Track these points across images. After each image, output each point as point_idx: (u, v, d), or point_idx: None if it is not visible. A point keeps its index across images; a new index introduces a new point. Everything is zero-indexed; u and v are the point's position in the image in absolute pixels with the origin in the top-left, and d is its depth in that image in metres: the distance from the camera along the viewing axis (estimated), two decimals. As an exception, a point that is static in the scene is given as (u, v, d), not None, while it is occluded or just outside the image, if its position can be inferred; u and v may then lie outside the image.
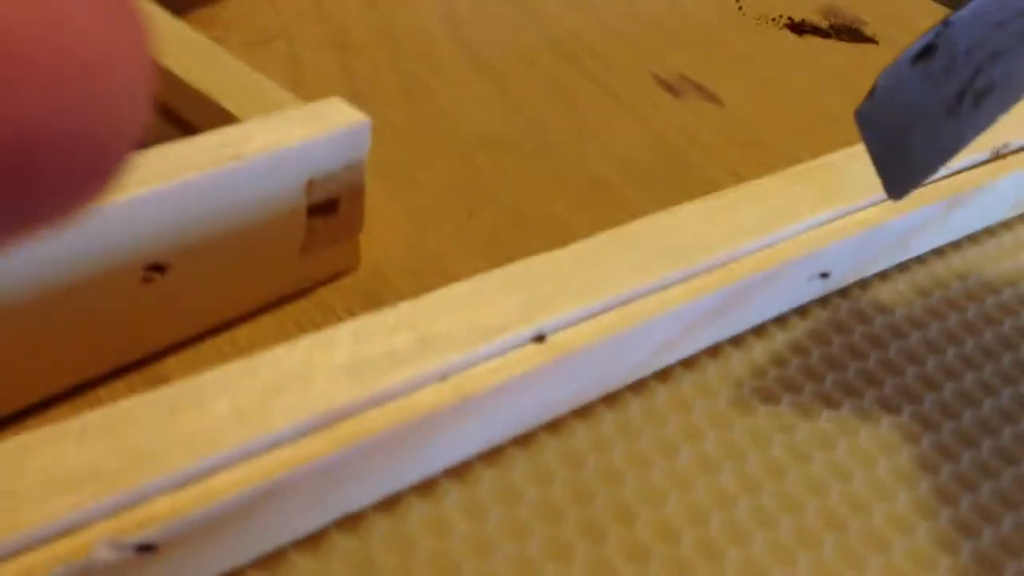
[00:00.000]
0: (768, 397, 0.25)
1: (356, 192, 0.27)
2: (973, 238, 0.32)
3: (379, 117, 0.28)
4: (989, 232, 0.32)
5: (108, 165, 0.09)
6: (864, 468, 0.24)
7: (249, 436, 0.18)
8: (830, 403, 0.25)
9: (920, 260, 0.30)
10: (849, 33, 0.46)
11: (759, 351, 0.26)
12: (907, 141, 0.27)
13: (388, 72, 0.38)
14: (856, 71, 0.43)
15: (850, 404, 0.25)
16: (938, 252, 0.31)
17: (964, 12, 0.23)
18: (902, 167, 0.27)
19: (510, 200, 0.33)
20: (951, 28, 0.23)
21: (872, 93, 0.25)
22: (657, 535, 0.21)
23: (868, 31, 0.46)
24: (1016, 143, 0.32)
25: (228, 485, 0.18)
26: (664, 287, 0.24)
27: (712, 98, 0.40)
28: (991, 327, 0.29)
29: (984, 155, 0.31)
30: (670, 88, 0.40)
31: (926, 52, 0.23)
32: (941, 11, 0.47)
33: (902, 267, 0.30)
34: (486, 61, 0.40)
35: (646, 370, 0.24)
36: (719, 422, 0.24)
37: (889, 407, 0.25)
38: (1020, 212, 0.33)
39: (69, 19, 0.08)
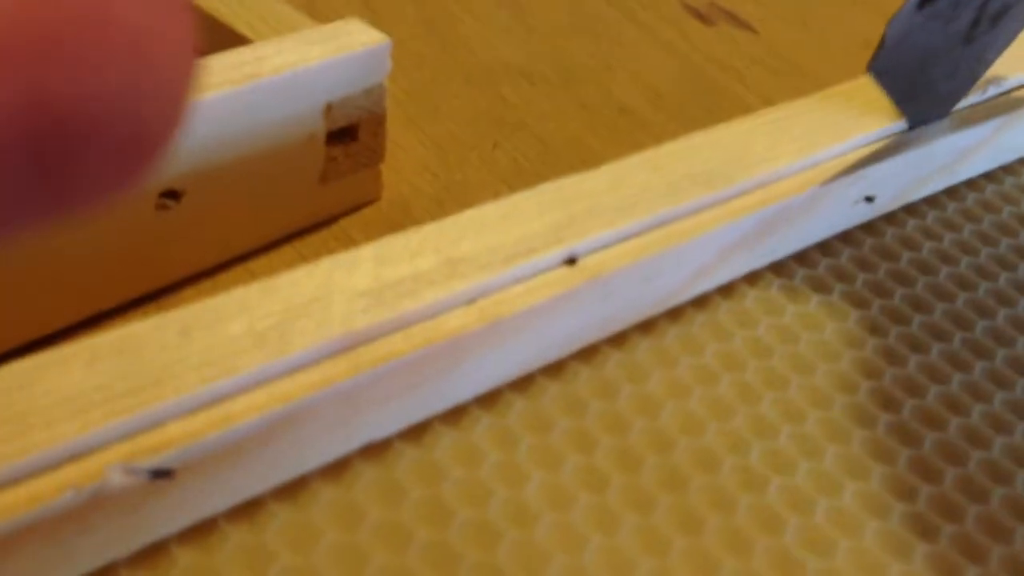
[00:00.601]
0: (811, 325, 0.24)
1: (377, 118, 0.26)
2: (1024, 162, 0.30)
3: (400, 46, 0.26)
4: (1041, 157, 0.31)
5: (148, 149, 0.09)
6: (912, 395, 0.22)
7: (267, 359, 0.17)
8: (876, 330, 0.24)
9: (970, 184, 0.29)
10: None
11: (800, 277, 0.25)
12: (928, 78, 0.25)
13: (408, 1, 0.37)
14: None
15: (897, 331, 0.24)
16: (989, 176, 0.29)
17: None
18: (926, 102, 0.26)
19: (536, 130, 0.31)
20: None
21: (882, 44, 0.24)
22: (696, 464, 0.20)
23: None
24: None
25: (246, 410, 0.17)
26: (699, 210, 0.23)
27: (744, 25, 0.38)
28: (1045, 252, 0.27)
29: (1034, 73, 0.29)
30: (700, 16, 0.38)
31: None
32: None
33: (951, 192, 0.29)
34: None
35: (682, 297, 0.23)
36: (759, 351, 0.23)
37: (938, 334, 0.24)
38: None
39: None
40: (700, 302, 0.24)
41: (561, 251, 0.21)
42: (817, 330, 0.24)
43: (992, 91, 0.29)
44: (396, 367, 0.19)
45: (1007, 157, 0.30)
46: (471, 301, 0.20)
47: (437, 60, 0.34)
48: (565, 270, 0.21)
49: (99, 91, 0.08)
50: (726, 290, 0.24)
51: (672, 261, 0.22)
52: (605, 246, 0.22)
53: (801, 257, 0.26)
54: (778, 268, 0.25)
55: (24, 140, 0.07)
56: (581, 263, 0.21)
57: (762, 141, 0.25)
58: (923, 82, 0.25)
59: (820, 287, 0.25)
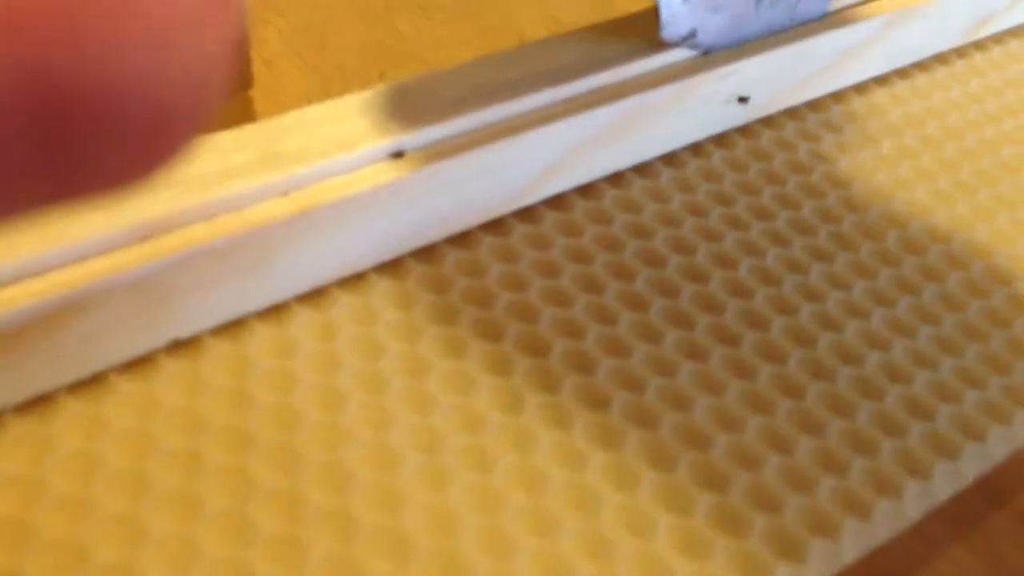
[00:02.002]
0: (669, 221, 0.23)
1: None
2: (922, 66, 0.29)
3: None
4: (940, 59, 0.30)
5: (168, 139, 0.08)
6: (767, 285, 0.22)
7: (47, 246, 0.17)
8: (738, 225, 0.23)
9: (860, 89, 0.28)
10: None
11: (666, 178, 0.24)
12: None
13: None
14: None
15: (760, 226, 0.23)
16: (881, 80, 0.29)
17: None
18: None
19: (428, 60, 0.31)
20: None
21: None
22: (525, 349, 0.20)
23: None
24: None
25: (24, 295, 0.17)
26: (545, 105, 0.22)
27: None
28: (930, 151, 0.26)
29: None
30: None
31: None
32: None
33: (838, 96, 0.28)
34: None
35: (533, 196, 0.23)
36: (610, 244, 0.22)
37: (805, 229, 0.23)
38: (974, 38, 0.30)
39: None
40: (555, 201, 0.23)
41: (387, 144, 0.20)
42: (675, 226, 0.23)
43: (876, -11, 0.28)
44: (196, 256, 0.18)
45: (900, 61, 0.29)
46: (285, 193, 0.19)
47: (330, -2, 0.34)
48: (391, 163, 0.20)
49: (115, 74, 0.07)
50: (585, 190, 0.24)
51: (513, 155, 0.22)
52: (436, 140, 0.21)
53: (670, 158, 0.25)
54: (643, 168, 0.24)
55: (32, 120, 0.07)
56: (409, 156, 0.21)
57: (617, 41, 0.24)
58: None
59: (686, 187, 0.24)
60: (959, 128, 0.27)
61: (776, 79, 0.26)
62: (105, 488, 0.16)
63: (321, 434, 0.18)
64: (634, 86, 0.23)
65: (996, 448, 0.20)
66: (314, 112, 0.21)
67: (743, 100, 0.25)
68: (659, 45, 0.24)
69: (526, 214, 0.23)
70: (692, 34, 0.24)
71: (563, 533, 0.17)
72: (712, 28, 0.24)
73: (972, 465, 0.19)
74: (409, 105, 0.21)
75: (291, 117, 0.21)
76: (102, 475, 0.17)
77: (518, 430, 0.18)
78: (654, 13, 0.23)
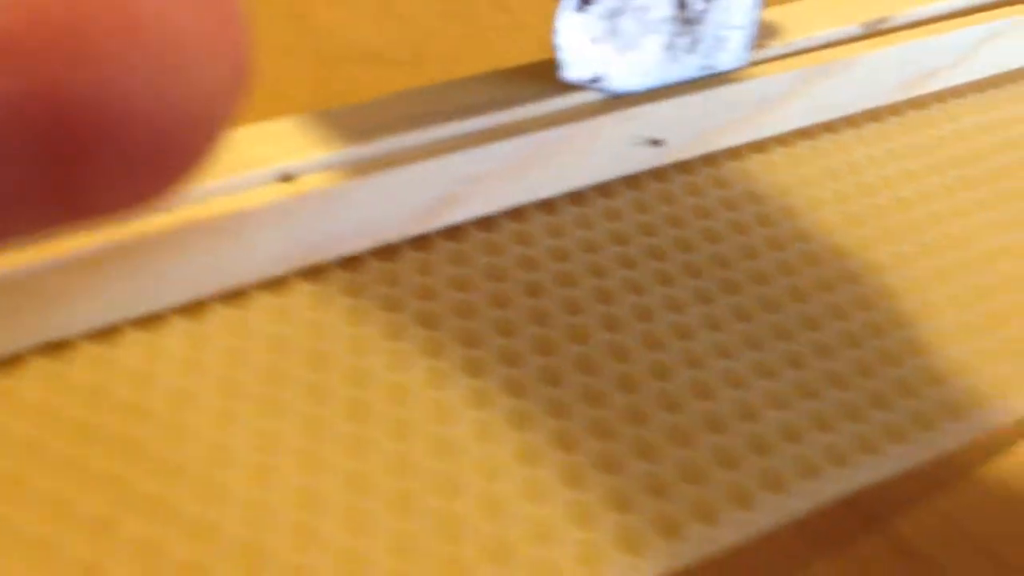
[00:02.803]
0: (561, 256, 0.24)
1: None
2: (851, 120, 0.30)
3: (256, 35, 0.27)
4: (872, 115, 0.30)
5: (172, 164, 0.08)
6: (642, 321, 0.22)
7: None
8: (627, 263, 0.24)
9: (782, 140, 0.29)
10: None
11: (567, 215, 0.25)
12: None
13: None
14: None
15: (651, 266, 0.24)
16: (805, 133, 0.29)
17: None
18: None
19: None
20: None
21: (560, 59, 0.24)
22: (387, 366, 0.20)
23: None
24: (897, 19, 0.30)
25: None
26: (444, 138, 0.23)
27: None
28: (838, 205, 0.27)
29: (855, 28, 0.29)
30: None
31: None
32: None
33: (758, 146, 0.28)
34: None
35: (428, 225, 0.23)
36: (502, 276, 0.23)
37: (696, 272, 0.24)
38: (909, 95, 0.31)
39: None
40: (451, 233, 0.24)
41: (276, 168, 0.21)
42: (563, 261, 0.24)
43: (800, 44, 0.28)
44: (73, 260, 0.19)
45: (826, 115, 0.29)
46: (167, 210, 0.20)
47: (291, 45, 0.35)
48: (279, 185, 0.21)
49: (123, 94, 0.07)
50: (484, 223, 0.24)
51: (405, 184, 0.22)
52: (327, 167, 0.22)
53: (577, 196, 0.26)
54: (547, 205, 0.25)
55: (35, 139, 0.07)
56: (299, 180, 0.22)
57: (542, 82, 0.25)
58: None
59: (586, 225, 0.25)
60: (874, 184, 0.28)
61: (691, 125, 0.26)
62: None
63: (169, 434, 0.18)
64: (538, 123, 0.24)
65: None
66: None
67: (656, 143, 0.26)
68: (571, 86, 0.25)
69: (420, 242, 0.23)
70: (596, 78, 0.24)
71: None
72: (619, 72, 0.25)
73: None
74: (304, 135, 0.22)
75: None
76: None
77: (360, 402, 0.19)
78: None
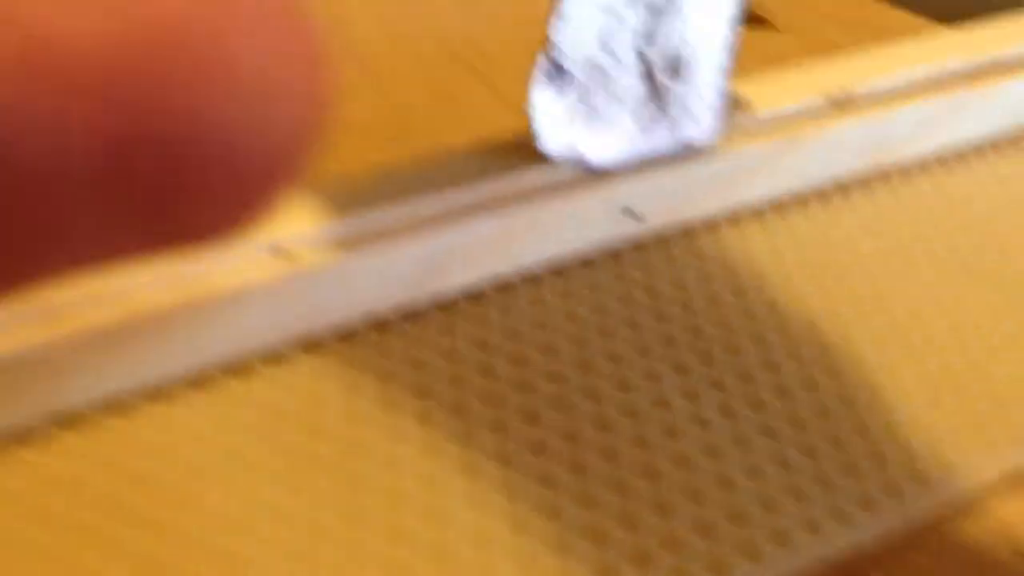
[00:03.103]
0: (543, 325, 0.25)
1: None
2: (820, 193, 0.31)
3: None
4: (840, 186, 0.32)
5: (251, 194, 0.08)
6: (621, 391, 0.23)
7: None
8: (606, 333, 0.25)
9: (756, 213, 0.30)
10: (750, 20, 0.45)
11: (548, 287, 0.26)
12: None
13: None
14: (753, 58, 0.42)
15: (629, 335, 0.25)
16: (778, 208, 0.30)
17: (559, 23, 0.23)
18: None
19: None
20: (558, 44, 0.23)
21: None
22: (385, 438, 0.21)
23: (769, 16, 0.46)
24: (861, 90, 0.31)
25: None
26: (433, 210, 0.24)
27: None
28: (808, 280, 0.28)
29: (817, 100, 0.30)
30: None
31: (556, 74, 0.24)
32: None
33: (733, 217, 0.30)
34: (371, 60, 0.41)
35: (417, 295, 0.24)
36: (486, 347, 0.24)
37: (670, 342, 0.25)
38: (873, 166, 0.32)
39: (233, 20, 0.07)
40: (440, 303, 0.25)
41: (267, 241, 0.22)
42: (547, 330, 0.25)
43: (767, 114, 0.30)
44: (84, 337, 0.20)
45: (796, 184, 0.31)
46: (170, 284, 0.21)
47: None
48: (271, 260, 0.22)
49: (206, 128, 0.07)
50: (471, 294, 0.25)
51: (394, 257, 0.23)
52: (317, 240, 0.23)
53: (559, 267, 0.27)
54: (531, 277, 0.26)
55: (117, 169, 0.07)
56: (291, 254, 0.22)
57: (521, 154, 0.26)
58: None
59: (568, 296, 0.26)
60: (841, 256, 0.29)
61: (667, 197, 0.28)
62: None
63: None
64: (521, 195, 0.25)
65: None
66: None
67: (634, 216, 0.27)
68: (548, 160, 0.26)
69: (410, 314, 0.24)
70: (573, 151, 0.26)
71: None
72: (593, 146, 0.26)
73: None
74: (293, 208, 0.23)
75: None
76: None
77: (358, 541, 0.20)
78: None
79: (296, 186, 0.08)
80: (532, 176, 0.26)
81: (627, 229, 0.27)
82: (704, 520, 0.21)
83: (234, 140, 0.07)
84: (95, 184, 0.07)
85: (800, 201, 0.31)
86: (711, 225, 0.29)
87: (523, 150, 0.27)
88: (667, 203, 0.28)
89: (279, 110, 0.08)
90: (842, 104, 0.31)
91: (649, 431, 0.22)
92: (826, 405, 0.24)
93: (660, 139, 0.27)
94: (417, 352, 0.23)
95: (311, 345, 0.23)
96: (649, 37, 0.26)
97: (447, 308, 0.25)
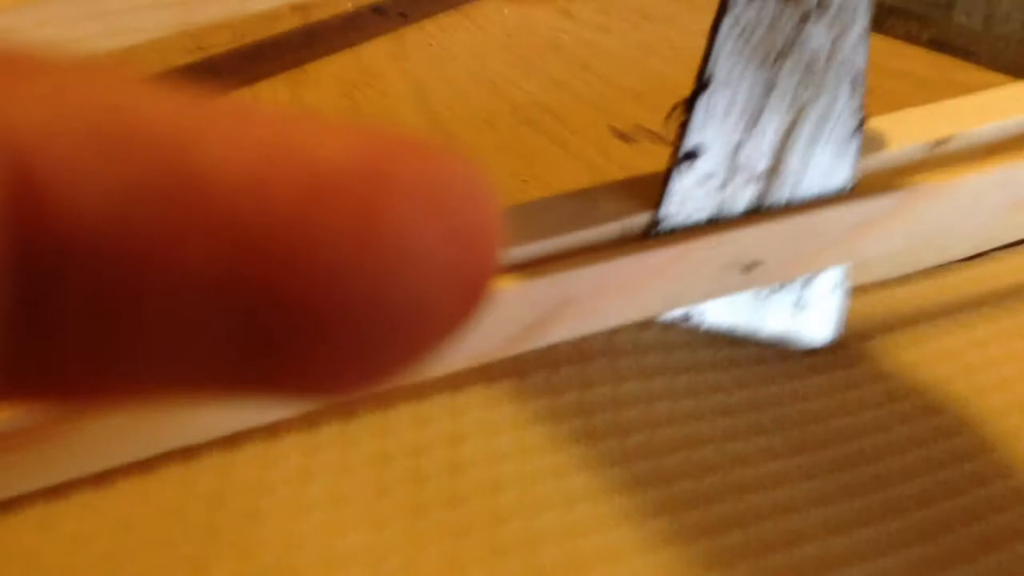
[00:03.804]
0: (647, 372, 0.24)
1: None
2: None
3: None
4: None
5: (378, 371, 0.08)
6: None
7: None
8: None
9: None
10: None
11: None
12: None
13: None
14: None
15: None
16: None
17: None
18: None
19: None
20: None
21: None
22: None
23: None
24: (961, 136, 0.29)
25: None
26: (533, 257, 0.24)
27: (664, 141, 0.39)
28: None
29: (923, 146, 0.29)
30: (623, 136, 0.40)
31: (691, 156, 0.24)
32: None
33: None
34: (448, 126, 0.41)
35: (523, 347, 0.24)
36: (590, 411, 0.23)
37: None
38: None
39: (404, 188, 0.07)
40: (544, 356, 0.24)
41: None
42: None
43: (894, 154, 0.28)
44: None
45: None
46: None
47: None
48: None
49: (335, 290, 0.07)
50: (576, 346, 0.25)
51: (504, 304, 0.23)
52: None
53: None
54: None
55: (233, 308, 0.07)
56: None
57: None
58: None
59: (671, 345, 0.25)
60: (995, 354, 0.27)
61: (782, 248, 0.27)
62: None
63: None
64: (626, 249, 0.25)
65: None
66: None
67: (749, 268, 0.26)
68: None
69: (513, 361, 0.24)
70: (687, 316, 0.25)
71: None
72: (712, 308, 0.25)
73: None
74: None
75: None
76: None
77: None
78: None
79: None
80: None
81: (742, 280, 0.27)
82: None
83: (368, 304, 0.07)
84: (211, 314, 0.07)
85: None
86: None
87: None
88: (782, 256, 0.27)
89: (423, 289, 0.07)
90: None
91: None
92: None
93: (775, 316, 0.26)
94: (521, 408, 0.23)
95: (417, 393, 0.23)
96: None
97: (551, 364, 0.24)
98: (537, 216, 0.25)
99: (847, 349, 0.26)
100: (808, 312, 0.26)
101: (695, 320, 0.25)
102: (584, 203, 0.26)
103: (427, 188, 0.07)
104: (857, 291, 0.27)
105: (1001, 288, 0.28)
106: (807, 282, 0.26)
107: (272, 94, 0.42)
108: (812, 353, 0.25)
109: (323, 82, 0.43)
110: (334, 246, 0.07)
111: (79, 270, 0.06)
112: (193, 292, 0.07)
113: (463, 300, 0.07)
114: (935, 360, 0.25)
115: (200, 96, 0.07)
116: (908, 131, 0.29)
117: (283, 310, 0.07)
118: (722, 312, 0.25)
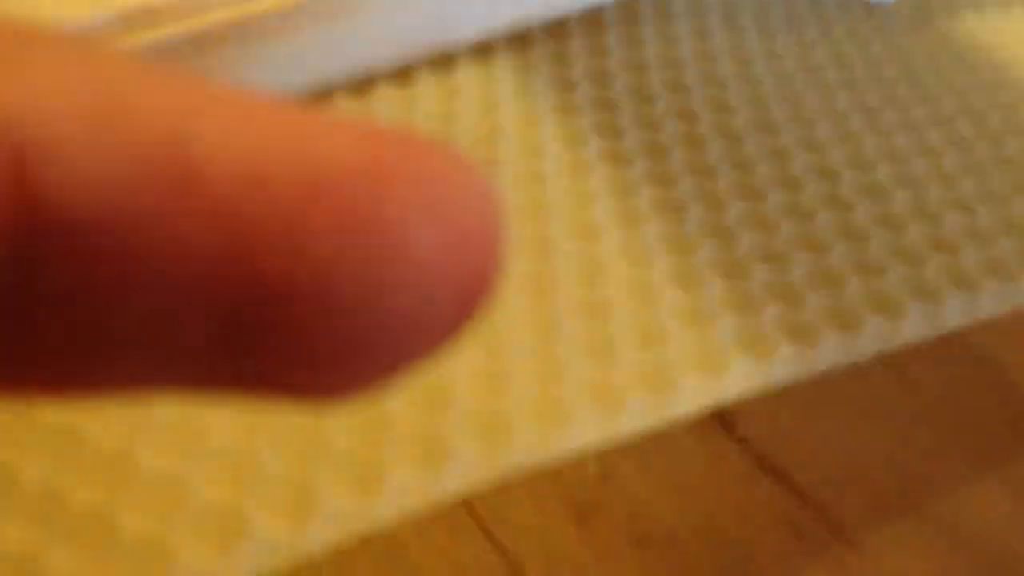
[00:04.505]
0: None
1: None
2: None
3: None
4: None
5: (368, 371, 0.07)
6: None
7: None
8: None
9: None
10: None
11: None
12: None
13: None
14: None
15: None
16: None
17: None
18: None
19: None
20: None
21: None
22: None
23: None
24: None
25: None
26: None
27: None
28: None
29: None
30: None
31: None
32: None
33: None
34: None
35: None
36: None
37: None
38: None
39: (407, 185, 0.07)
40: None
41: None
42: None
43: None
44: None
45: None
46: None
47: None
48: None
49: (324, 287, 0.07)
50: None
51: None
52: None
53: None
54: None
55: (220, 301, 0.07)
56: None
57: None
58: None
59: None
60: None
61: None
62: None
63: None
64: None
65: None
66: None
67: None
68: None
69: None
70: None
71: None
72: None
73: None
74: None
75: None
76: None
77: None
78: None
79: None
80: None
81: None
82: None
83: (358, 303, 0.07)
84: (197, 306, 0.07)
85: None
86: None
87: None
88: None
89: (419, 291, 0.07)
90: None
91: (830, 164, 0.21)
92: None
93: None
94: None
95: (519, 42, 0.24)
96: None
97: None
98: None
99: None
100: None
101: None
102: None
103: (427, 188, 0.07)
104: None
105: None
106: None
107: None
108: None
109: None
110: (327, 243, 0.07)
111: (67, 254, 0.06)
112: (181, 281, 0.07)
113: (461, 305, 0.07)
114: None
115: (199, 82, 0.07)
116: None
117: (271, 307, 0.07)
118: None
